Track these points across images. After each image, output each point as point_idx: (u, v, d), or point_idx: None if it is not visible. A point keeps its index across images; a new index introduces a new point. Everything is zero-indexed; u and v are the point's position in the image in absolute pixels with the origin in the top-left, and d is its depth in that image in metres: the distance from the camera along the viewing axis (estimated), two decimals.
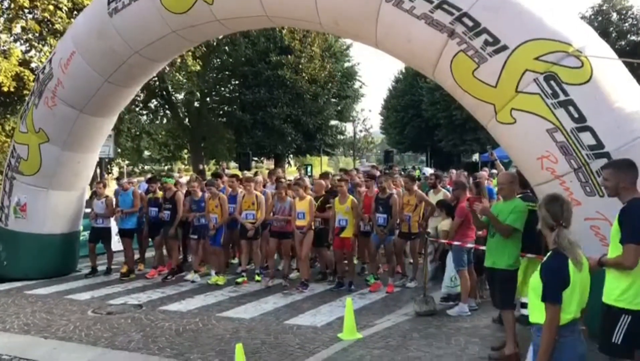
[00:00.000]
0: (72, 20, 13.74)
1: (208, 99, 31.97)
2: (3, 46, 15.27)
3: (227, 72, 31.87)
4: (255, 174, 12.75)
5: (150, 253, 10.70)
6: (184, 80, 25.92)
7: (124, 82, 9.06)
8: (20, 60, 15.00)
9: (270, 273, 9.23)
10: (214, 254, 9.49)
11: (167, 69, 19.91)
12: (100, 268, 10.16)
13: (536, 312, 3.08)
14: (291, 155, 36.85)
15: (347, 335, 6.17)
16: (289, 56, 27.70)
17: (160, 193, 9.91)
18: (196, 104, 30.54)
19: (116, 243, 10.52)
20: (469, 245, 7.11)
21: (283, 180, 10.22)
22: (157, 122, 29.52)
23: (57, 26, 15.19)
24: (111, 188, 12.94)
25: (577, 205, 4.92)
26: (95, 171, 12.82)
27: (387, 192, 8.63)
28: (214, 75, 31.09)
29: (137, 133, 25.41)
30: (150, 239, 10.40)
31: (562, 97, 5.18)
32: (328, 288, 8.80)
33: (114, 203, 10.06)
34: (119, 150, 23.05)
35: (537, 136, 5.36)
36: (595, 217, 5.08)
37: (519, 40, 5.34)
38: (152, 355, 5.83)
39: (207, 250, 9.57)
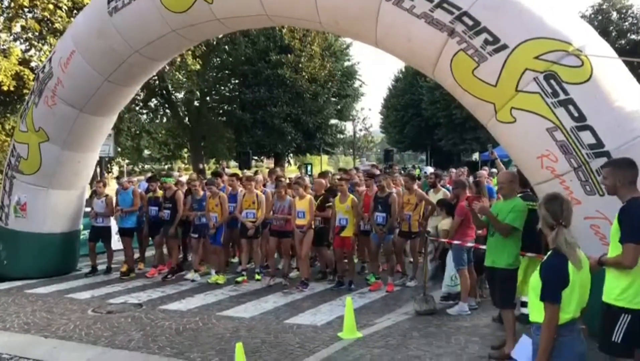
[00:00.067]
0: (72, 19, 13.73)
1: (208, 98, 31.99)
2: (3, 45, 15.27)
3: (227, 71, 31.89)
4: (256, 173, 12.74)
5: (150, 252, 10.72)
6: (184, 79, 25.92)
7: (123, 81, 9.06)
8: (20, 59, 15.00)
9: (271, 272, 9.23)
10: (214, 253, 9.50)
11: (167, 68, 19.91)
12: (100, 267, 10.17)
13: (536, 311, 3.08)
14: (291, 154, 36.89)
15: (347, 334, 6.18)
16: (289, 55, 27.67)
17: (160, 193, 9.92)
18: (196, 103, 30.55)
19: (116, 242, 10.54)
20: (469, 244, 7.12)
21: (282, 179, 10.22)
22: (157, 121, 29.53)
23: (56, 25, 15.18)
24: (111, 187, 12.94)
25: (577, 204, 4.92)
26: (95, 170, 12.83)
27: (386, 191, 8.63)
28: (214, 74, 31.08)
29: (137, 132, 25.43)
30: (150, 238, 10.41)
31: (562, 96, 5.18)
32: (328, 287, 8.80)
33: (114, 202, 10.07)
34: (119, 149, 23.06)
35: (537, 135, 5.36)
36: (595, 216, 5.08)
37: (519, 39, 5.34)
38: (152, 354, 5.84)
39: (207, 249, 9.58)
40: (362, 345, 5.89)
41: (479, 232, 7.01)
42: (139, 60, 8.60)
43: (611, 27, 36.65)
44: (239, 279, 9.12)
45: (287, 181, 9.87)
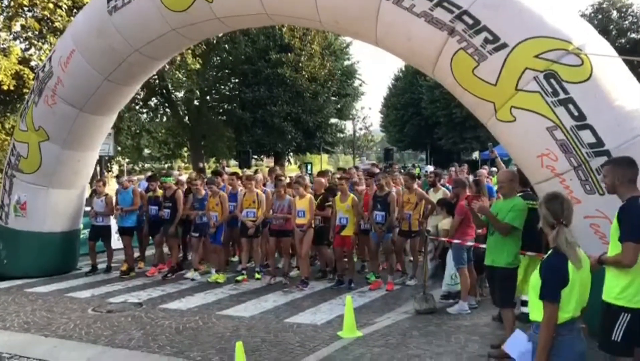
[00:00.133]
0: (72, 18, 13.74)
1: (208, 97, 32.00)
2: (3, 44, 15.26)
3: (227, 70, 31.89)
4: (256, 172, 12.74)
5: (150, 251, 10.72)
6: (184, 79, 25.91)
7: (123, 80, 9.06)
8: (20, 59, 14.99)
9: (272, 271, 9.24)
10: (214, 252, 9.51)
11: (167, 67, 19.90)
12: (100, 266, 10.17)
13: (536, 310, 3.08)
14: (291, 153, 36.90)
15: (347, 333, 6.17)
16: (289, 54, 27.69)
17: (160, 192, 9.92)
18: (196, 102, 30.54)
19: (116, 241, 10.53)
20: (469, 243, 7.12)
21: (282, 178, 10.23)
22: (157, 120, 29.55)
23: (56, 24, 15.18)
24: (111, 186, 12.94)
25: (577, 203, 4.92)
26: (95, 169, 12.84)
27: (385, 190, 8.64)
28: (214, 73, 31.09)
29: (137, 131, 25.41)
30: (150, 237, 10.41)
31: (562, 95, 5.18)
32: (328, 286, 8.80)
33: (114, 201, 10.08)
34: (119, 148, 23.05)
35: (537, 134, 5.37)
36: (595, 215, 5.08)
37: (519, 38, 5.34)
38: (152, 353, 5.84)
39: (208, 248, 9.58)
40: (362, 344, 5.89)
41: (479, 231, 7.01)
42: (139, 59, 8.60)
43: (611, 26, 36.64)
44: (239, 278, 9.13)
45: (287, 180, 9.88)
